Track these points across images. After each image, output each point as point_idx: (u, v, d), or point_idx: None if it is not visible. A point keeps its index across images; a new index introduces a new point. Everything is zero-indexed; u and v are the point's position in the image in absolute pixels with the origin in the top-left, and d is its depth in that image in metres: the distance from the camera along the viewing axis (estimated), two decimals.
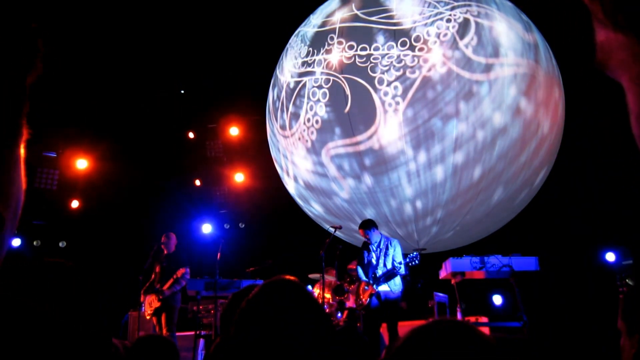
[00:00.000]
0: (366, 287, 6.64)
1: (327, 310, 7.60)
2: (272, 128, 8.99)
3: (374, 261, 6.59)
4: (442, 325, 1.00)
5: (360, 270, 6.84)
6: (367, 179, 7.75)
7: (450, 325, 0.99)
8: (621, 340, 1.64)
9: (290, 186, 9.16)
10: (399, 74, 7.24)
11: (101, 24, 9.62)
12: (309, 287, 8.53)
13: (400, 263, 6.46)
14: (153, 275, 7.64)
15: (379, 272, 6.47)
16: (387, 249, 6.51)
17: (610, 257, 9.24)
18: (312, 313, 1.37)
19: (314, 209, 8.96)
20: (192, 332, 7.76)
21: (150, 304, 7.42)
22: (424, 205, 7.70)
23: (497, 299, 8.75)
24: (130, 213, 10.88)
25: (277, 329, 1.31)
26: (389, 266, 6.46)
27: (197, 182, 12.16)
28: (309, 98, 8.01)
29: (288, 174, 8.98)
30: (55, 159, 10.98)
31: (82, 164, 11.01)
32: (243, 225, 12.05)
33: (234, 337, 1.34)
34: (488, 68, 7.18)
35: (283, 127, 8.56)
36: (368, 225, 6.64)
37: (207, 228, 11.23)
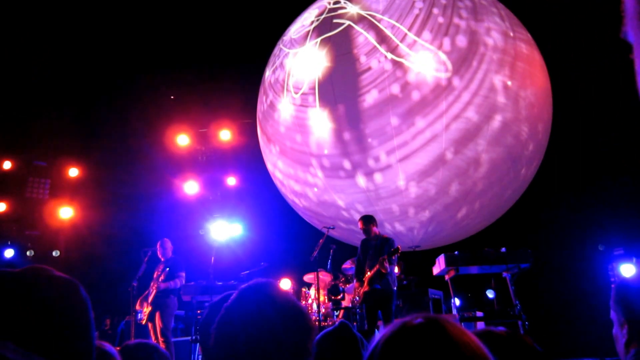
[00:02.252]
0: (360, 285, 6.67)
1: (323, 311, 7.61)
2: (264, 131, 9.01)
3: (368, 258, 6.60)
4: (413, 326, 0.96)
5: (355, 269, 6.86)
6: (358, 180, 7.79)
7: (421, 326, 0.95)
8: (613, 330, 1.68)
9: (283, 188, 9.17)
10: (384, 81, 7.28)
11: (91, 28, 9.58)
12: (305, 288, 8.54)
13: (393, 265, 6.48)
14: (152, 283, 7.56)
15: (373, 268, 6.48)
16: (382, 246, 6.52)
17: (602, 247, 9.33)
18: (291, 314, 1.36)
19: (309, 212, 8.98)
20: (189, 338, 7.74)
21: (144, 309, 7.35)
22: (420, 202, 7.75)
23: (491, 293, 8.81)
24: (124, 219, 10.82)
25: (256, 333, 1.29)
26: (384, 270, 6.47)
27: (190, 187, 12.11)
28: (297, 100, 8.03)
29: (280, 176, 9.00)
30: (46, 167, 10.90)
31: (73, 172, 10.94)
32: (237, 229, 12.00)
33: (213, 343, 1.33)
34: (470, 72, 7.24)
35: (274, 130, 8.58)
36: (368, 220, 6.66)
37: (201, 232, 11.19)
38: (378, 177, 7.65)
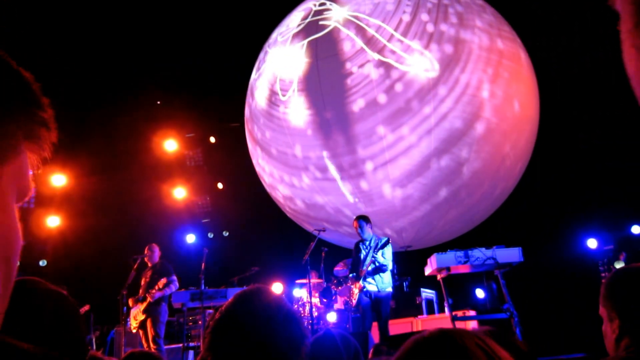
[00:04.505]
0: (352, 285, 6.64)
1: (316, 314, 7.57)
2: (253, 134, 8.96)
3: (362, 257, 6.59)
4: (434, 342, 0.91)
5: (349, 270, 6.85)
6: (349, 181, 7.77)
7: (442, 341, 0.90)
8: (603, 326, 1.66)
9: (273, 191, 9.13)
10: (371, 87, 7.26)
11: (75, 35, 9.49)
12: (297, 291, 8.49)
13: (387, 260, 6.47)
14: (141, 290, 7.49)
15: (368, 269, 6.46)
16: (377, 247, 6.52)
17: (591, 243, 9.39)
18: (285, 319, 1.37)
19: (300, 214, 8.94)
20: (180, 345, 7.66)
21: (135, 317, 7.29)
22: (409, 201, 7.75)
23: (483, 292, 8.83)
24: (112, 227, 10.71)
25: (251, 337, 1.30)
26: (378, 263, 6.47)
27: (179, 193, 12.03)
28: (285, 101, 7.99)
29: (269, 180, 8.95)
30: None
31: (58, 179, 10.79)
32: (227, 234, 11.96)
33: (208, 347, 1.34)
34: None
35: (262, 134, 8.53)
36: (363, 219, 6.65)
37: (190, 238, 11.13)
38: (366, 179, 7.63)
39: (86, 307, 9.27)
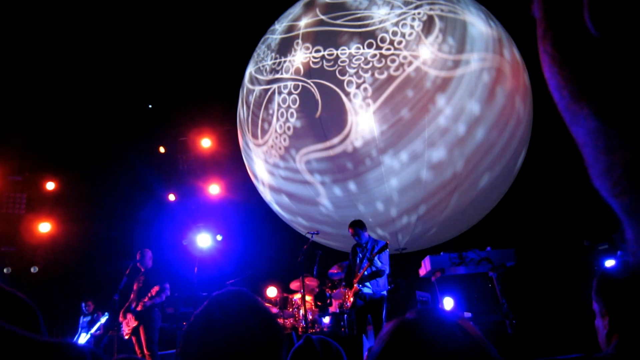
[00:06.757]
0: (349, 289, 6.62)
1: (310, 317, 7.53)
2: (245, 138, 8.92)
3: (359, 261, 6.58)
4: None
5: (344, 273, 6.83)
6: (347, 183, 7.74)
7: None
8: (595, 321, 1.65)
9: (267, 195, 9.09)
10: (367, 75, 7.25)
11: (65, 41, 9.46)
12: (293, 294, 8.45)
13: (383, 264, 6.46)
14: (133, 295, 7.43)
15: (364, 272, 6.45)
16: (373, 250, 6.50)
17: (587, 242, 9.38)
18: (259, 321, 1.34)
19: (295, 218, 8.90)
20: (174, 350, 7.61)
21: (128, 323, 7.23)
22: (405, 203, 7.72)
23: (477, 293, 8.82)
24: (104, 232, 10.64)
25: (221, 338, 1.28)
26: (374, 268, 6.45)
27: (171, 197, 11.98)
28: (279, 105, 7.96)
29: (264, 184, 8.90)
30: (21, 182, 10.68)
31: (49, 185, 10.73)
32: (221, 237, 11.90)
33: (181, 350, 1.32)
34: (456, 64, 7.25)
35: (255, 137, 8.49)
36: (358, 225, 6.63)
37: (184, 242, 11.07)
38: (365, 177, 7.61)
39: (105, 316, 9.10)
